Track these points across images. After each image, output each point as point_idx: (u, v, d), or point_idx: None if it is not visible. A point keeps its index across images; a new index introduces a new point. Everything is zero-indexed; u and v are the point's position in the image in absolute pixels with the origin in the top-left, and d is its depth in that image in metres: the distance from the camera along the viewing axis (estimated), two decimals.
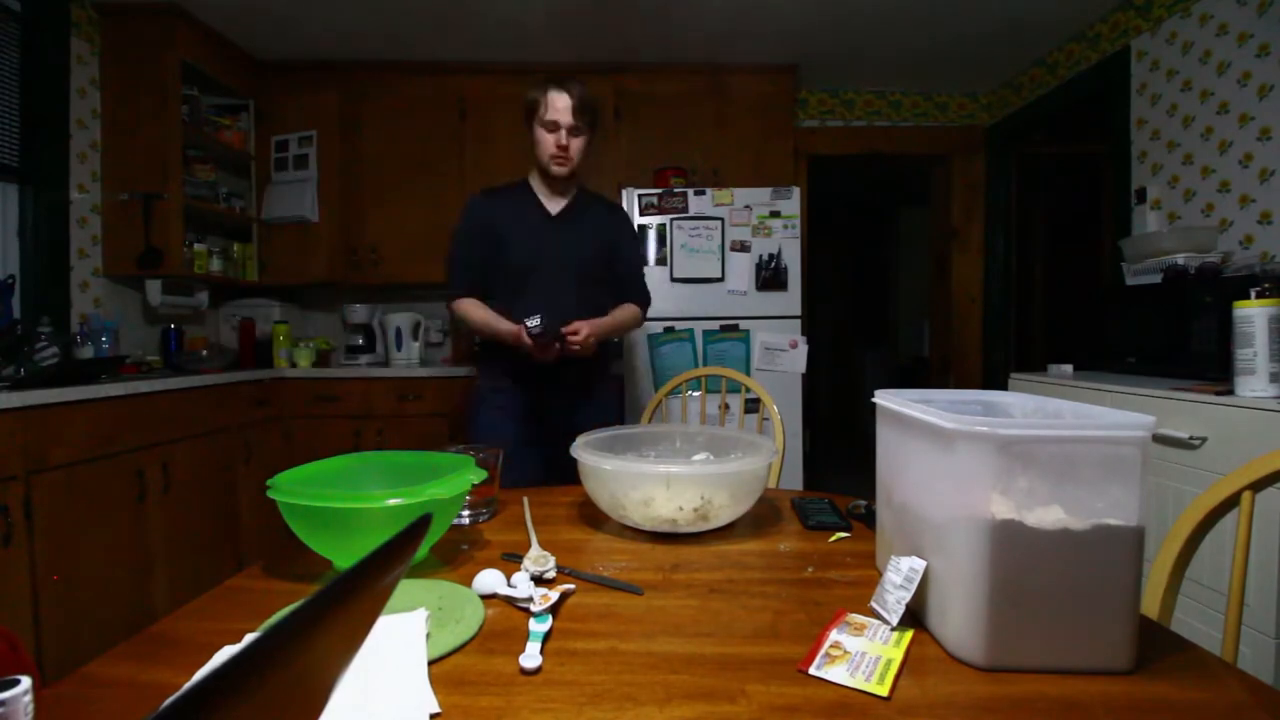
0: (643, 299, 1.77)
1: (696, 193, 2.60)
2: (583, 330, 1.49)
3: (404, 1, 2.52)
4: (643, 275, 1.79)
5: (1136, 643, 0.53)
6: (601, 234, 1.67)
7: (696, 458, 0.99)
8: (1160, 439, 1.51)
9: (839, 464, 4.66)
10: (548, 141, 1.56)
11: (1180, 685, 0.51)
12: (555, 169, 1.57)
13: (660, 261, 2.58)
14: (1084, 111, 2.97)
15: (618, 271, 1.72)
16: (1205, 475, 1.42)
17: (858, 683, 0.51)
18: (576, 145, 1.58)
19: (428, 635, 0.57)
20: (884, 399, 0.70)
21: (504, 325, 1.55)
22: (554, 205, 1.65)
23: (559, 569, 0.74)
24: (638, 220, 2.59)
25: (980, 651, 0.53)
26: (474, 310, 1.62)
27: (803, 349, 2.61)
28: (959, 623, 0.55)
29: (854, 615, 0.62)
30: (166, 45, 2.45)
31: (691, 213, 2.59)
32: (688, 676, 0.53)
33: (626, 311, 1.71)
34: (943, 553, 0.57)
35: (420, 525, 0.30)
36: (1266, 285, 1.41)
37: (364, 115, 3.00)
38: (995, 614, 0.53)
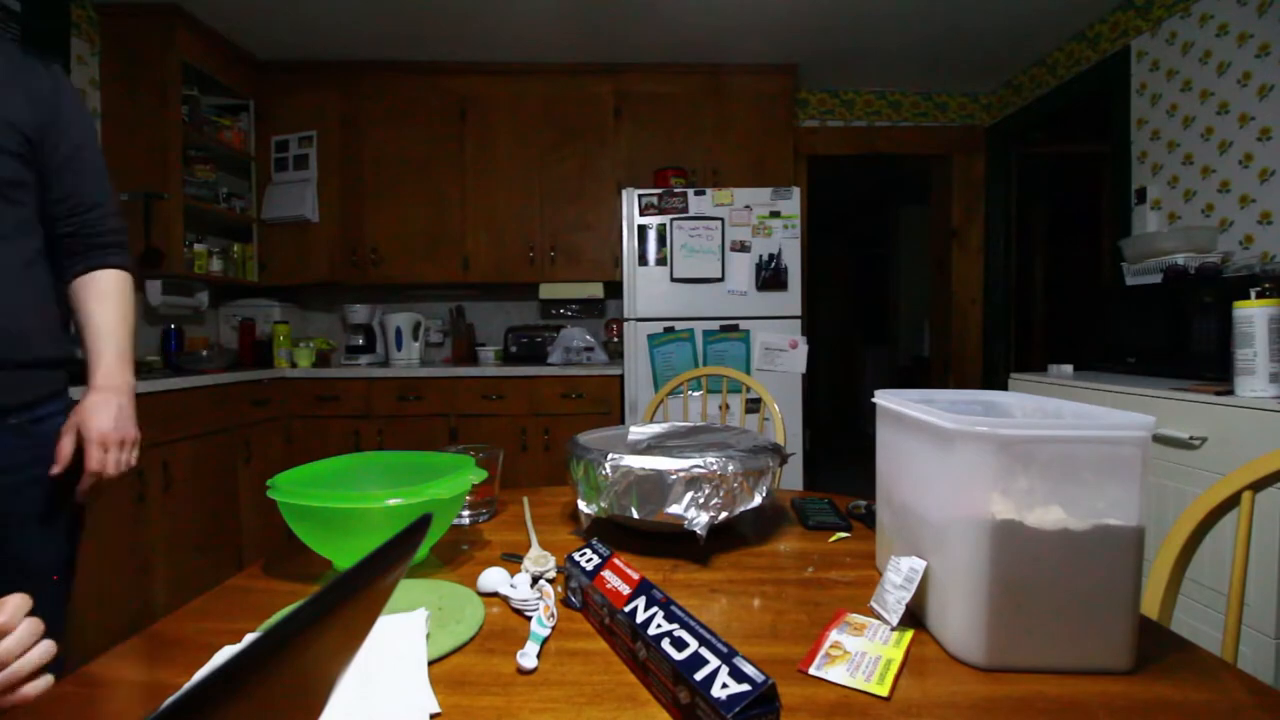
0: (118, 246, 0.96)
1: (696, 193, 2.60)
2: (107, 432, 0.85)
3: (404, 1, 2.52)
4: (108, 189, 0.97)
5: (1136, 643, 0.53)
6: (15, 106, 0.86)
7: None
8: (1160, 439, 1.51)
9: (839, 464, 4.66)
10: None
11: (1180, 685, 0.51)
12: None
13: (660, 262, 2.58)
14: (1084, 111, 2.97)
15: (51, 182, 0.91)
16: (1205, 475, 1.42)
17: (858, 683, 0.51)
18: None
19: (428, 635, 0.57)
20: (884, 399, 0.70)
21: None
22: None
23: (559, 569, 0.74)
24: (638, 220, 2.58)
25: (980, 651, 0.53)
26: None
27: (803, 349, 2.61)
28: (959, 623, 0.55)
29: (854, 615, 0.62)
30: (166, 45, 2.45)
31: (691, 213, 2.59)
32: None
33: (116, 296, 0.94)
34: (943, 553, 0.57)
35: (420, 525, 0.30)
36: (1266, 285, 1.41)
37: (364, 115, 3.01)
38: (995, 614, 0.53)
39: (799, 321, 2.64)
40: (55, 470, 0.86)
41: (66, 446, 0.86)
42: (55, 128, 0.90)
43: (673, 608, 0.53)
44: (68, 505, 0.91)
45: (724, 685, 0.43)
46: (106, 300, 0.92)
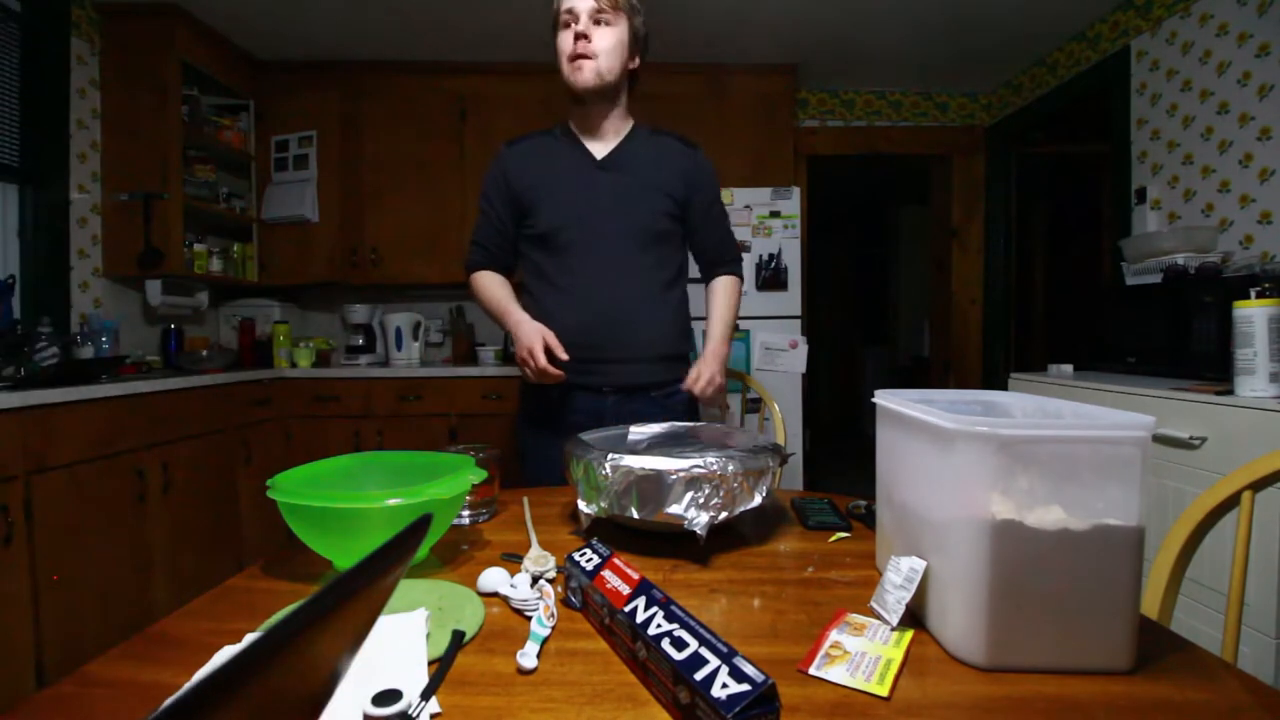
0: (736, 261, 1.39)
1: None
2: (705, 375, 1.21)
3: (404, 1, 2.52)
4: (730, 229, 1.40)
5: (1136, 643, 0.53)
6: (669, 179, 1.26)
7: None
8: (1160, 439, 1.51)
9: (839, 464, 4.66)
10: (564, 42, 1.18)
11: (1180, 685, 0.51)
12: (575, 78, 1.17)
13: None
14: (1084, 111, 2.97)
15: (696, 228, 1.33)
16: (1205, 475, 1.42)
17: (858, 683, 0.51)
18: (606, 40, 1.16)
19: (428, 635, 0.57)
20: (884, 399, 0.70)
21: (515, 315, 1.20)
22: (600, 147, 1.26)
23: (559, 569, 0.74)
24: None
25: (980, 651, 0.53)
26: (486, 286, 1.29)
27: (803, 349, 2.61)
28: (959, 623, 0.55)
29: (854, 615, 0.62)
30: (166, 45, 2.45)
31: None
32: None
33: (731, 293, 1.35)
34: (943, 553, 0.57)
35: (420, 525, 0.30)
36: (1266, 285, 1.41)
37: (364, 115, 3.01)
38: (995, 614, 0.53)
39: (799, 321, 2.64)
40: (685, 386, 1.26)
41: (690, 380, 1.25)
42: (694, 200, 1.31)
43: (673, 608, 0.53)
44: None
45: (724, 685, 0.43)
46: (721, 295, 1.37)
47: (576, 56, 1.16)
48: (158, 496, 1.99)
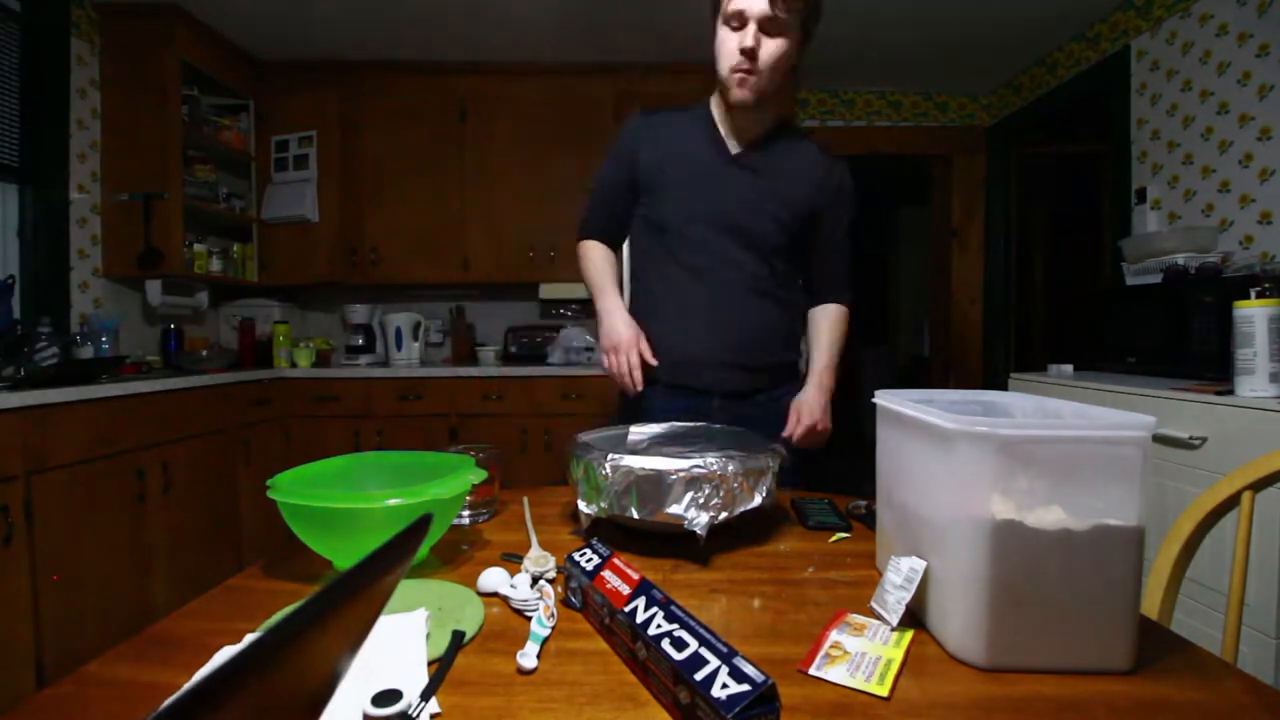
0: (845, 294, 1.29)
1: None
2: (807, 419, 1.16)
3: (404, 1, 2.52)
4: (847, 259, 1.28)
5: (1136, 643, 0.53)
6: (802, 190, 1.18)
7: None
8: (1160, 439, 1.51)
9: (839, 464, 4.66)
10: (727, 40, 1.06)
11: (1180, 685, 0.51)
12: (737, 92, 1.08)
13: None
14: (1084, 111, 2.97)
15: (815, 246, 1.24)
16: (1205, 475, 1.42)
17: (858, 683, 0.51)
18: (772, 51, 1.05)
19: (428, 635, 0.57)
20: (884, 399, 0.70)
21: (611, 301, 1.17)
22: (736, 141, 1.18)
23: (559, 569, 0.74)
24: None
25: (980, 651, 0.53)
26: (591, 258, 1.25)
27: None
28: (959, 623, 0.55)
29: (854, 615, 0.62)
30: (166, 45, 2.45)
31: None
32: None
33: (839, 322, 1.27)
34: (943, 553, 0.57)
35: (420, 525, 0.30)
36: (1266, 285, 1.41)
37: (364, 115, 3.01)
38: (995, 614, 0.53)
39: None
40: (785, 434, 1.18)
41: (791, 424, 1.19)
42: (821, 216, 1.23)
43: (673, 608, 0.53)
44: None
45: (724, 685, 0.43)
46: (826, 323, 1.29)
47: (740, 70, 1.06)
48: (158, 496, 1.99)
